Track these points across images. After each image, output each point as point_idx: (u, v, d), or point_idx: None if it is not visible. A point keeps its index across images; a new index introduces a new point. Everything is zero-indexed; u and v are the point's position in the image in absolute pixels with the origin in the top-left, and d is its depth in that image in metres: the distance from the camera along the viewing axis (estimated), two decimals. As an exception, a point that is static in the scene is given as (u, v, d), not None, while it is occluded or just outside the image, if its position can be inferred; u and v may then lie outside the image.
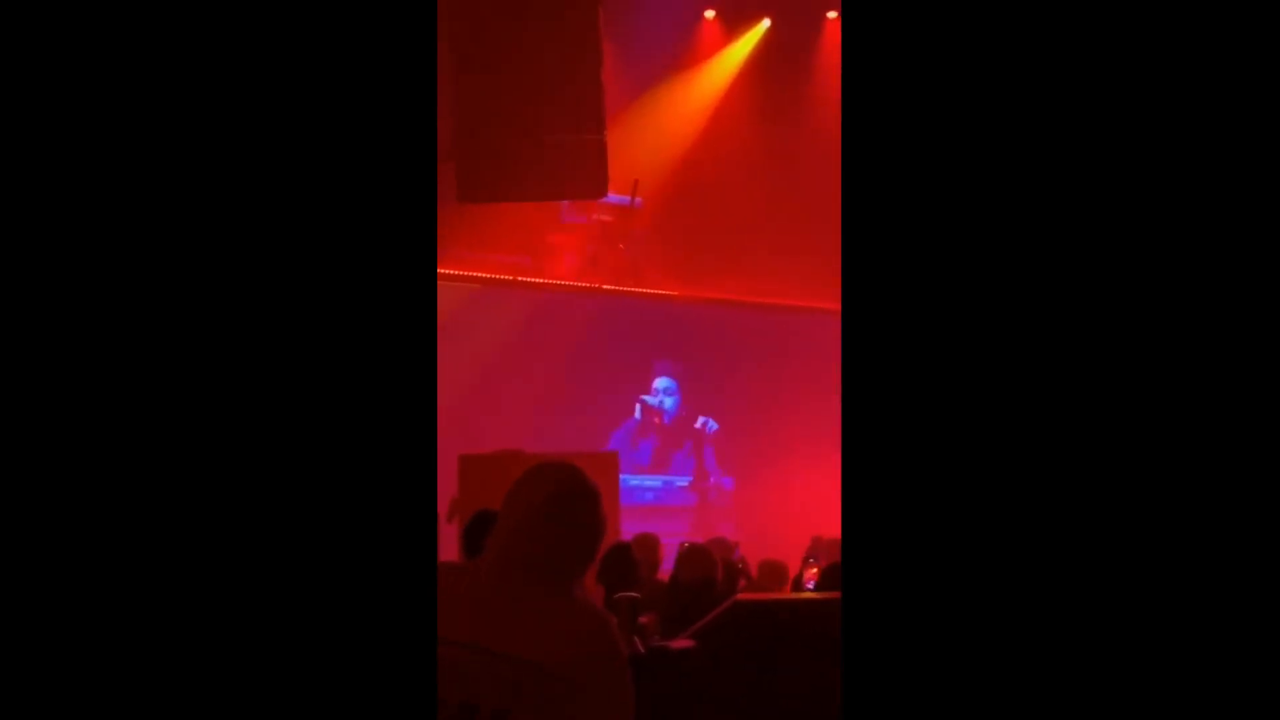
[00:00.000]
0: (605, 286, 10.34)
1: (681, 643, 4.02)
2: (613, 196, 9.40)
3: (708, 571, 5.44)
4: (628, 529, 7.46)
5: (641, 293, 10.45)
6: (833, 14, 10.42)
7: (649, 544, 6.34)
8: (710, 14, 10.39)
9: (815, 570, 5.56)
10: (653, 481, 10.40)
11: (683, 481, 10.49)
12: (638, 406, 10.32)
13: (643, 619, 3.97)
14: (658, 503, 10.26)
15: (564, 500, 2.20)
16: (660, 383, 10.48)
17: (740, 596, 4.58)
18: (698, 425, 10.50)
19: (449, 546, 4.57)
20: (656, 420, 10.39)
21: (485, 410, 8.58)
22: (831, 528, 6.94)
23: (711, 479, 10.53)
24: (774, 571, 6.63)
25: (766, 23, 10.41)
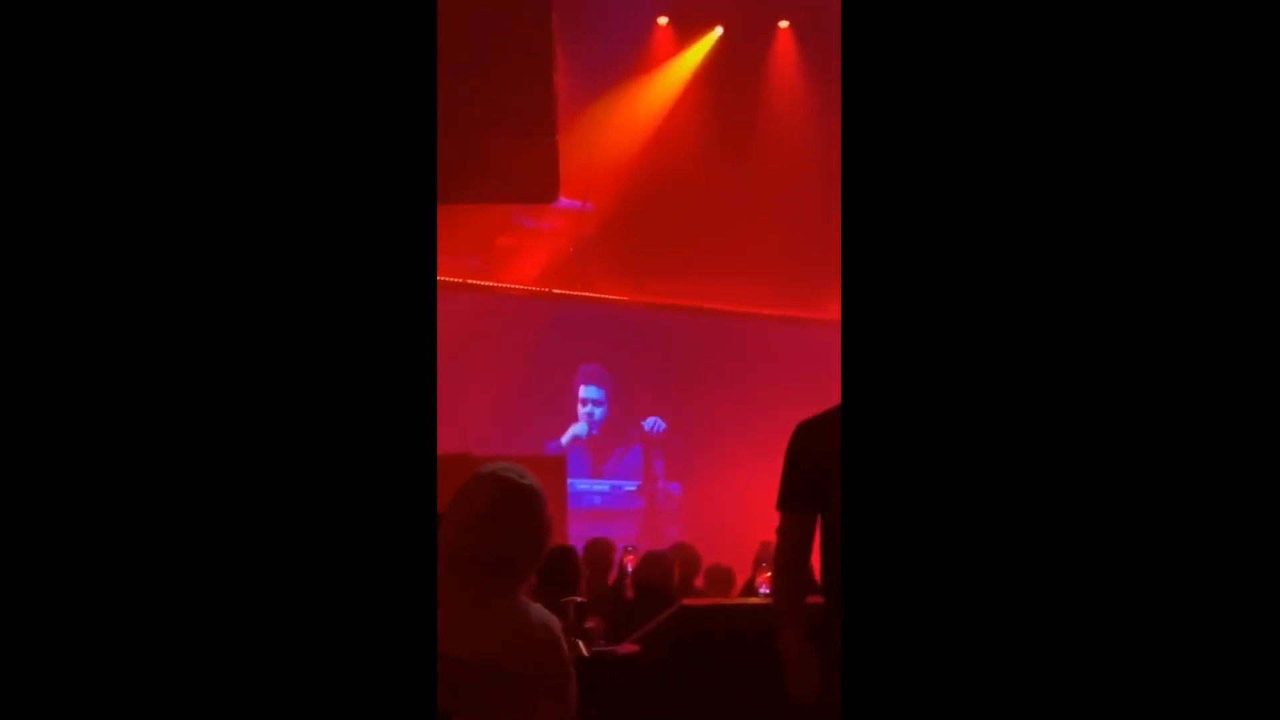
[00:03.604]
0: (555, 291, 10.32)
1: (626, 647, 4.02)
2: (564, 201, 9.39)
3: (664, 578, 5.45)
4: (575, 533, 7.45)
5: (591, 297, 10.44)
6: (784, 23, 10.50)
7: (602, 548, 6.33)
8: (663, 21, 10.41)
9: (769, 574, 5.57)
10: (600, 486, 10.39)
11: (630, 486, 10.49)
12: (567, 437, 10.28)
13: (589, 623, 3.98)
14: (605, 507, 10.25)
15: (509, 503, 2.20)
16: (588, 392, 10.45)
17: (685, 601, 4.59)
18: (646, 427, 10.49)
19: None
20: (585, 442, 10.39)
21: (433, 413, 8.51)
22: (778, 533, 6.93)
23: (659, 483, 10.54)
24: (721, 576, 6.64)
25: (719, 30, 10.45)
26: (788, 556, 2.95)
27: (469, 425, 8.76)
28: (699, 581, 6.56)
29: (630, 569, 5.94)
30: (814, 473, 2.88)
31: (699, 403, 10.34)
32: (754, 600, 5.21)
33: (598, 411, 10.44)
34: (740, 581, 6.65)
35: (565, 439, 10.25)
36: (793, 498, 2.94)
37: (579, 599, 3.87)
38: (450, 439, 7.48)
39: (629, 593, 5.66)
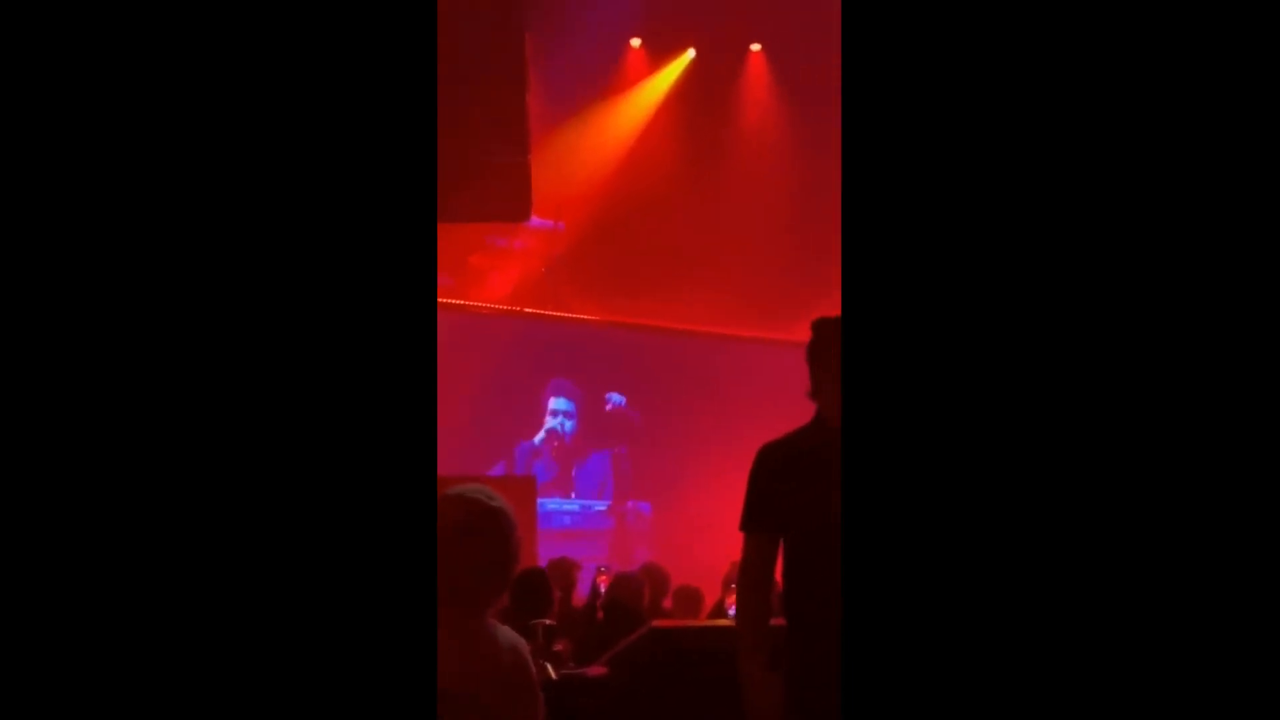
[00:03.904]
0: (527, 310, 10.33)
1: (595, 670, 4.01)
2: (536, 220, 9.40)
3: (634, 599, 5.44)
4: (544, 553, 7.43)
5: (562, 316, 10.45)
6: (756, 46, 10.57)
7: (564, 568, 6.32)
8: (636, 42, 10.46)
9: None
10: (570, 506, 10.37)
11: (601, 506, 10.48)
12: (541, 434, 10.29)
13: (558, 646, 3.97)
14: (575, 527, 10.23)
15: (477, 525, 2.19)
16: (558, 404, 10.45)
17: (655, 623, 4.58)
18: (610, 404, 10.47)
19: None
20: (556, 444, 10.38)
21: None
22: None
23: (629, 504, 10.54)
24: (689, 597, 6.63)
25: (691, 53, 10.50)
26: (749, 577, 2.95)
27: (441, 443, 8.73)
28: (667, 603, 6.56)
29: (604, 590, 5.93)
30: (777, 494, 2.88)
31: (668, 423, 10.35)
32: (722, 622, 5.20)
33: (568, 423, 10.44)
34: (709, 603, 6.64)
35: (538, 438, 10.25)
36: (756, 519, 2.94)
37: (548, 621, 3.86)
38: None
39: (600, 614, 5.65)
